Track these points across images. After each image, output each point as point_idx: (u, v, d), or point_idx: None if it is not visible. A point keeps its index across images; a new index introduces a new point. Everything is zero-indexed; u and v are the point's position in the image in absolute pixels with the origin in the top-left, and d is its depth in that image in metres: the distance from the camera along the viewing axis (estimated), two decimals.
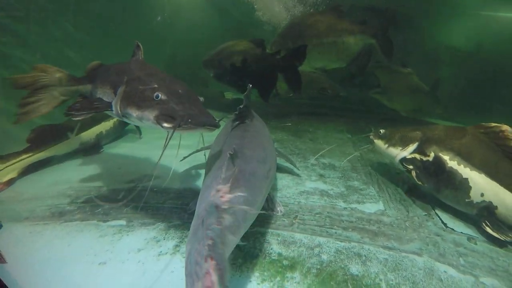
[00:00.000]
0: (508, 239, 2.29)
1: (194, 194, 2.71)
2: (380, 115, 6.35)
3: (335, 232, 2.24)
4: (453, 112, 6.49)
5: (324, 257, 1.97)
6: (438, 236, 2.31)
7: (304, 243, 2.09)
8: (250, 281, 1.74)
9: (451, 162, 2.60)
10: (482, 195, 2.45)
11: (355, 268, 1.89)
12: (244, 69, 4.98)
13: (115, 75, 2.28)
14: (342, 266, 1.90)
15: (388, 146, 3.05)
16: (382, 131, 3.17)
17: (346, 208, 2.60)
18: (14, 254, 1.90)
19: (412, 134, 2.94)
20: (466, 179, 2.51)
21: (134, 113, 1.96)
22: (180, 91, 1.97)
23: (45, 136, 3.34)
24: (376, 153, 3.63)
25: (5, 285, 1.53)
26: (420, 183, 2.71)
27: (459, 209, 2.63)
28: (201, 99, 2.02)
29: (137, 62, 2.39)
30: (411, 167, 2.80)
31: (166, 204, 2.55)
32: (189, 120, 1.75)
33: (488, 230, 2.36)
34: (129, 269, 1.80)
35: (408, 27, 7.24)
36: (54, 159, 3.42)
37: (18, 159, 3.07)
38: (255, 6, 6.61)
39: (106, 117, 3.98)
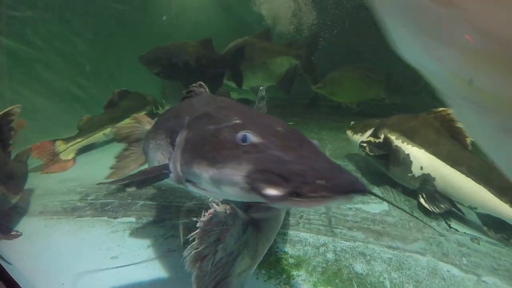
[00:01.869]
0: (437, 210, 2.51)
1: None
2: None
3: (340, 232, 2.28)
4: None
5: (329, 255, 2.02)
6: (442, 236, 2.34)
7: (309, 242, 2.14)
8: (257, 278, 1.79)
9: (397, 141, 2.93)
10: (421, 168, 2.71)
11: (359, 267, 1.94)
12: (196, 66, 5.37)
13: (173, 117, 1.52)
14: (347, 264, 1.95)
15: (353, 134, 3.56)
16: (352, 122, 3.68)
17: (351, 208, 2.64)
18: (31, 245, 1.99)
19: (371, 122, 3.40)
20: (408, 154, 2.81)
21: (204, 172, 1.08)
22: (279, 128, 1.11)
23: (90, 124, 4.04)
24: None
25: (14, 279, 1.59)
26: (372, 154, 3.05)
27: (405, 185, 2.90)
28: (315, 142, 1.18)
29: (202, 98, 1.67)
30: (364, 144, 3.18)
31: (174, 202, 2.61)
32: (322, 182, 0.85)
33: (422, 201, 2.61)
34: (140, 264, 1.86)
35: None
36: (97, 145, 4.08)
37: (75, 142, 3.71)
38: (262, 6, 6.69)
39: (136, 111, 4.49)
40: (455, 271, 1.98)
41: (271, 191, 0.89)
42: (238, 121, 1.17)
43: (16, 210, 2.39)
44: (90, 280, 1.74)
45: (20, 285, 1.50)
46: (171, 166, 1.31)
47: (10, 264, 1.76)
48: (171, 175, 1.32)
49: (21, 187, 2.46)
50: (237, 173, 0.97)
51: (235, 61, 5.51)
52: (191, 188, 1.27)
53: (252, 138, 1.03)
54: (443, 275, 1.93)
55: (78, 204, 2.56)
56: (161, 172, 1.33)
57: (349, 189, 0.85)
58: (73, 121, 4.25)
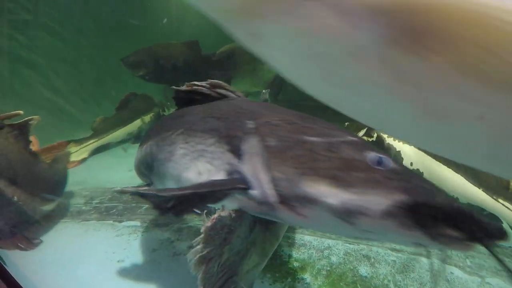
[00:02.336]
0: None
1: None
2: None
3: None
4: None
5: (334, 259, 2.03)
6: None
7: (313, 245, 2.15)
8: (262, 281, 1.80)
9: (388, 139, 3.04)
10: (411, 164, 2.81)
11: (364, 270, 1.95)
12: (184, 68, 5.44)
13: (215, 119, 1.27)
14: (351, 267, 1.96)
15: None
16: (346, 124, 3.80)
17: None
18: (36, 248, 2.01)
19: None
20: (399, 151, 2.92)
21: (327, 196, 0.86)
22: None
23: (103, 126, 4.17)
24: None
25: (18, 283, 1.59)
26: None
27: None
28: None
29: (245, 101, 1.45)
30: None
31: None
32: (487, 225, 0.75)
33: None
34: (146, 267, 1.88)
35: None
36: (110, 146, 4.18)
37: (88, 143, 3.81)
38: None
39: (145, 112, 4.70)
40: (459, 272, 1.99)
41: (451, 232, 0.73)
42: (354, 138, 0.99)
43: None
44: (97, 284, 1.75)
45: None
46: (251, 179, 1.01)
47: (6, 265, 1.78)
48: (252, 191, 1.01)
49: (56, 194, 2.42)
50: (390, 203, 0.78)
51: (225, 63, 5.66)
52: (280, 212, 0.98)
53: (391, 163, 0.88)
54: (447, 277, 1.94)
55: (83, 207, 2.58)
56: (234, 186, 1.03)
57: (502, 235, 0.75)
58: (83, 123, 4.36)
